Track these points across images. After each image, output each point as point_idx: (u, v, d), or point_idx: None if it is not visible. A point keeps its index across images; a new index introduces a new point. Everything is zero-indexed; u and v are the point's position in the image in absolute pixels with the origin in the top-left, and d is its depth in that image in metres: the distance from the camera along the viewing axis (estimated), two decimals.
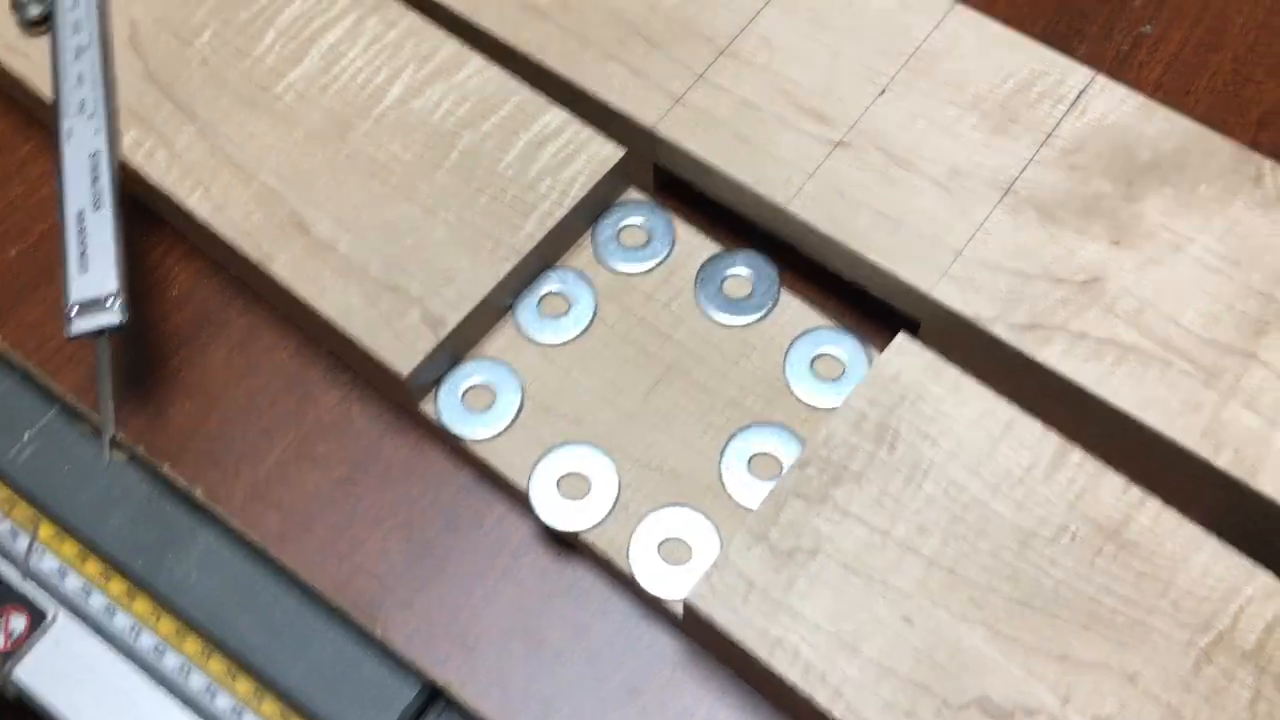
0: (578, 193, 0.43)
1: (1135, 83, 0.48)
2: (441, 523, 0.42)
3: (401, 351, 0.41)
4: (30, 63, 0.47)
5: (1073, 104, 0.44)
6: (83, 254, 0.41)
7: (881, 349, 0.41)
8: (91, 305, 0.41)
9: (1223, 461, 0.37)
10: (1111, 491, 0.37)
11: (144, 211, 0.47)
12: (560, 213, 0.43)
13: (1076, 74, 0.44)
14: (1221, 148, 0.43)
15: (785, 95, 0.44)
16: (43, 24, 0.47)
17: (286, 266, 0.42)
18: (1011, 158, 0.43)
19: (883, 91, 0.44)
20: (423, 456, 0.43)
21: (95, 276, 0.41)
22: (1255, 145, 0.46)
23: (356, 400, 0.44)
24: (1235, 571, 0.36)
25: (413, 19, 0.47)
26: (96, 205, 0.42)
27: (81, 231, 0.42)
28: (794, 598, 0.36)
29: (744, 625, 0.36)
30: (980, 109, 0.44)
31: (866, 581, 0.36)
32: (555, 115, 0.45)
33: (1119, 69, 0.49)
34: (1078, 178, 0.42)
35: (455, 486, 0.43)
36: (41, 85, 0.46)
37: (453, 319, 0.41)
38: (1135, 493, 0.37)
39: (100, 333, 0.40)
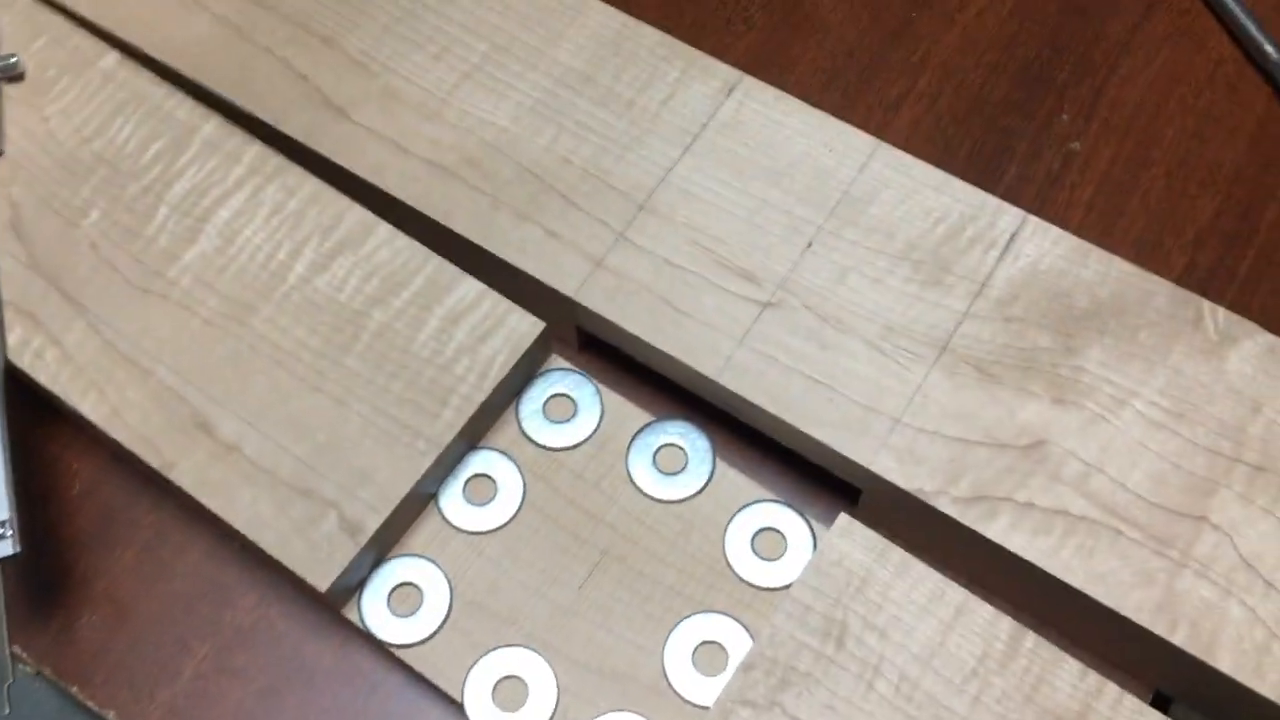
0: (498, 373, 0.41)
1: (1068, 203, 0.47)
2: None
3: (319, 563, 0.38)
4: None
5: (1005, 249, 0.42)
6: None
7: (822, 515, 0.40)
8: None
9: (1179, 639, 0.36)
10: (1068, 679, 0.36)
11: (40, 401, 0.44)
12: (480, 396, 0.41)
13: (1007, 215, 0.43)
14: (1158, 289, 0.41)
15: (708, 253, 0.43)
16: None
17: (190, 474, 0.40)
18: (946, 312, 0.41)
19: (810, 244, 0.43)
20: (349, 661, 0.41)
21: None
22: (1193, 266, 0.46)
23: (275, 601, 0.42)
24: None
25: (314, 184, 0.44)
26: None
27: None
28: None
29: None
30: (911, 259, 0.42)
31: None
32: (470, 287, 0.42)
33: (1050, 189, 0.48)
34: (1014, 330, 0.41)
35: (385, 693, 0.40)
36: None
37: (372, 523, 0.39)
38: (1092, 679, 0.36)
39: None
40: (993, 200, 0.43)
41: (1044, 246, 0.42)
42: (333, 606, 0.40)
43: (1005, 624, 0.37)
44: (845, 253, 0.42)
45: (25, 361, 0.42)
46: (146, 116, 0.46)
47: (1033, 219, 0.43)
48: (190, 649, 0.41)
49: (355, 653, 0.41)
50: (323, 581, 0.38)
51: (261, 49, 0.47)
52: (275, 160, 0.45)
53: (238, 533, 0.41)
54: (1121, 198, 0.48)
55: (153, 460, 0.40)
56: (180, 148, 0.45)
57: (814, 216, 0.43)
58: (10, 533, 0.38)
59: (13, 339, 0.42)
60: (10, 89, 0.46)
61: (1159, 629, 0.36)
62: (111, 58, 0.47)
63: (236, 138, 0.45)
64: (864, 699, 0.36)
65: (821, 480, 0.42)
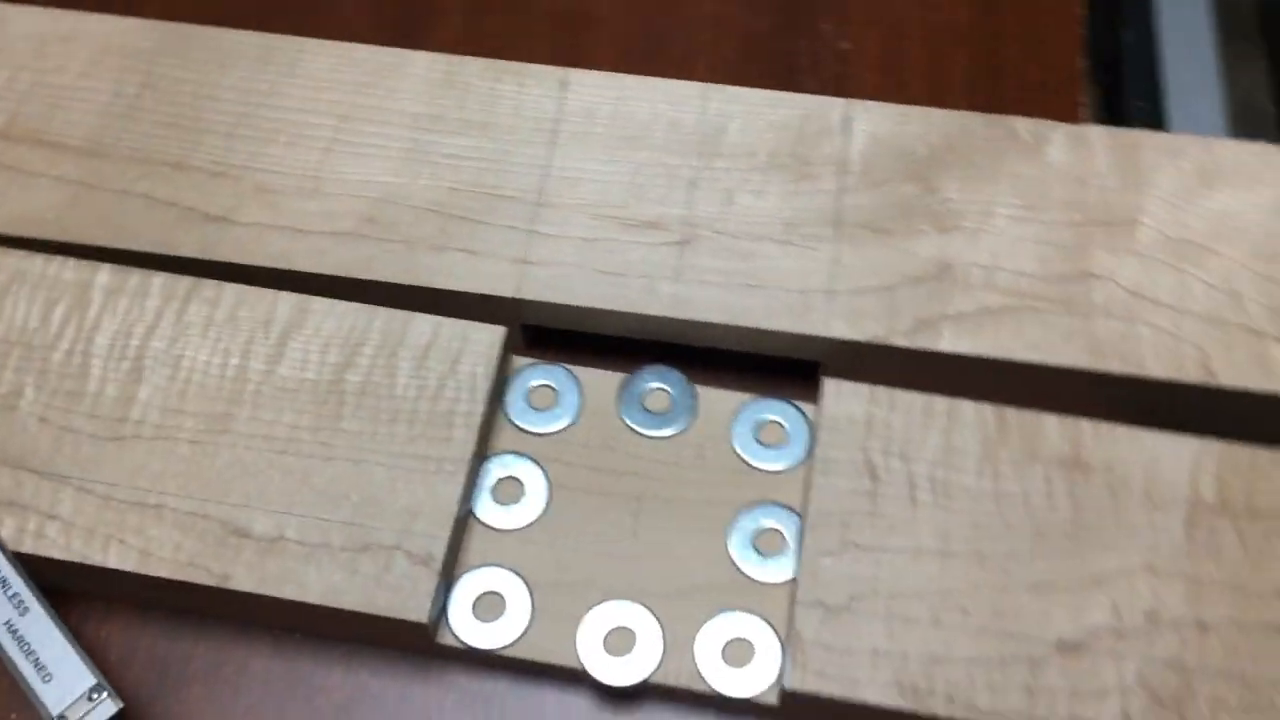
0: (483, 382, 0.44)
1: (862, 87, 0.55)
2: None
3: (408, 600, 0.40)
4: None
5: (845, 132, 0.49)
6: (37, 664, 0.38)
7: (798, 402, 0.45)
8: (77, 706, 0.37)
9: (1115, 367, 0.44)
10: (1054, 430, 0.43)
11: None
12: (479, 408, 0.44)
13: (834, 107, 0.50)
14: (971, 121, 0.50)
15: (612, 220, 0.47)
16: None
17: (248, 577, 0.41)
18: (824, 196, 0.48)
19: (693, 182, 0.48)
20: (456, 685, 0.43)
21: (65, 679, 0.38)
22: (975, 101, 0.54)
23: (361, 667, 0.43)
24: (1177, 447, 0.42)
25: (232, 289, 0.46)
26: (21, 610, 0.39)
27: (21, 643, 0.38)
28: (880, 639, 0.39)
29: (855, 686, 0.39)
30: (777, 165, 0.49)
31: (923, 596, 0.40)
32: (423, 321, 0.45)
33: (845, 84, 0.56)
34: (885, 192, 0.48)
35: (500, 696, 0.43)
36: None
37: (439, 549, 0.41)
38: (1070, 422, 0.43)
39: None
40: (816, 98, 0.50)
41: (873, 120, 0.49)
42: (430, 641, 0.41)
43: (988, 410, 0.43)
44: (723, 179, 0.48)
45: (28, 546, 0.41)
46: (35, 288, 0.46)
47: (855, 102, 0.50)
48: None
49: (458, 676, 0.43)
50: (420, 614, 0.40)
51: (117, 193, 0.48)
52: (185, 281, 0.46)
53: (307, 617, 0.42)
54: (899, 71, 0.56)
55: (206, 579, 0.40)
56: (83, 304, 0.45)
57: (684, 161, 0.49)
58: (106, 693, 0.38)
59: (6, 533, 0.41)
60: None
61: (1095, 365, 0.44)
62: None
63: (135, 275, 0.46)
64: (913, 512, 0.41)
65: (777, 373, 0.47)
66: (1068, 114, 0.54)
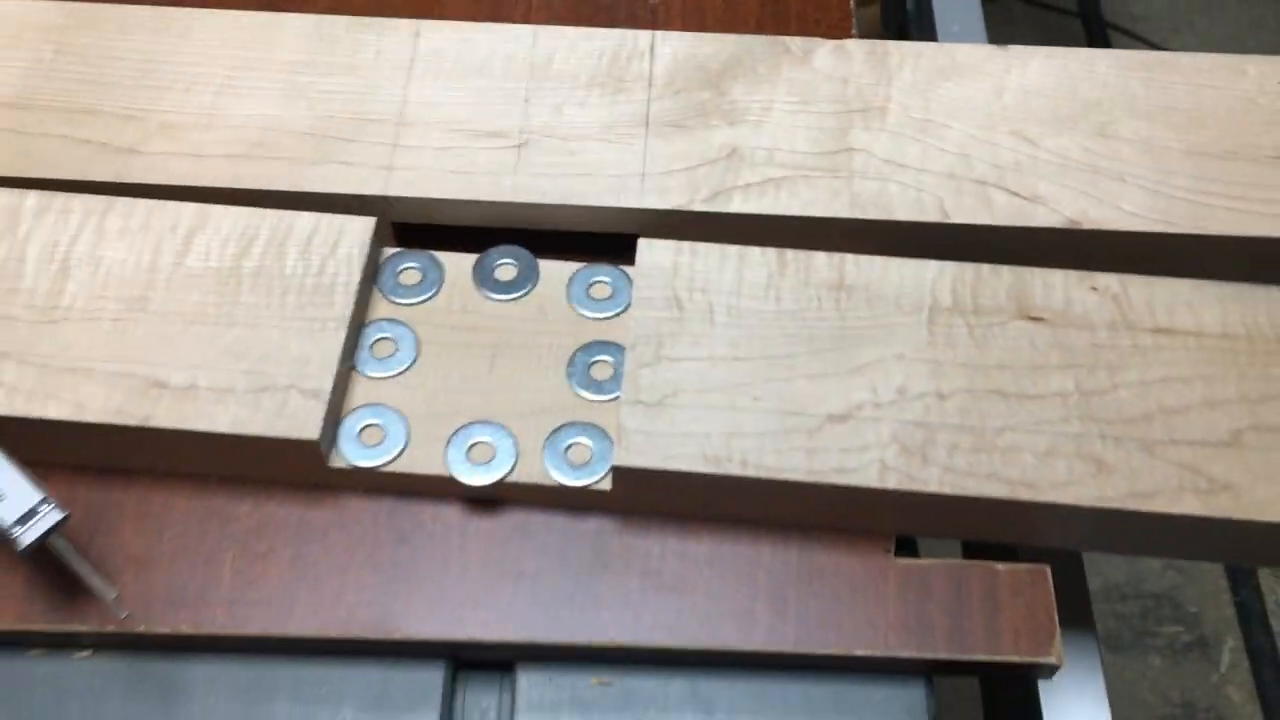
0: (359, 258, 0.53)
1: (670, 27, 0.66)
2: (397, 540, 0.50)
3: (301, 424, 0.49)
4: None
5: (650, 54, 0.60)
6: None
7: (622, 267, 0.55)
8: (27, 517, 0.45)
9: (871, 214, 0.55)
10: (823, 262, 0.53)
11: None
12: (355, 279, 0.53)
13: (640, 36, 0.61)
14: (755, 42, 0.61)
15: (461, 132, 0.57)
16: None
17: (167, 417, 0.49)
18: (636, 104, 0.58)
19: (527, 100, 0.58)
20: (351, 510, 0.51)
21: (13, 497, 0.46)
22: (760, 29, 0.65)
23: (267, 500, 0.51)
24: (920, 269, 0.53)
25: (144, 203, 0.55)
26: None
27: None
28: (688, 425, 0.49)
29: (669, 459, 0.48)
30: (597, 84, 0.59)
31: (721, 390, 0.50)
32: (306, 217, 0.54)
33: (655, 27, 0.66)
34: (684, 98, 0.59)
35: (388, 510, 0.51)
36: None
37: (326, 384, 0.50)
38: (835, 256, 0.53)
39: (49, 533, 0.45)
40: (627, 31, 0.61)
41: (673, 45, 0.60)
42: (323, 464, 0.50)
43: (771, 252, 0.54)
44: (551, 97, 0.59)
45: None
46: None
47: (657, 32, 0.61)
48: (217, 560, 0.50)
49: (349, 500, 0.51)
50: (313, 433, 0.49)
51: (38, 135, 0.57)
52: (102, 199, 0.55)
53: (219, 455, 0.50)
54: (699, 18, 0.67)
55: (130, 421, 0.49)
56: (14, 222, 0.54)
57: (519, 85, 0.59)
58: (53, 504, 0.46)
59: None
60: None
61: (855, 214, 0.55)
62: None
63: (59, 197, 0.55)
64: (712, 330, 0.51)
65: (603, 250, 0.57)
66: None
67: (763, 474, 0.48)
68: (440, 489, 0.51)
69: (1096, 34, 1.57)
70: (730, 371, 0.50)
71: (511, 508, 0.52)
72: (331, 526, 0.51)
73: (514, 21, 0.67)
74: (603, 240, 0.57)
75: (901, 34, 0.79)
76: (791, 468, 0.48)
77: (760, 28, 0.67)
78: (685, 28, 0.67)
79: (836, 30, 0.67)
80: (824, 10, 0.68)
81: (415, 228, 0.57)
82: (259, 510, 0.51)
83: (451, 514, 0.51)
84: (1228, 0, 1.75)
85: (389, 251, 0.56)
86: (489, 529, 0.51)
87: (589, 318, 0.54)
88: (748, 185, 0.56)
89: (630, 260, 0.55)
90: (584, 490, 0.50)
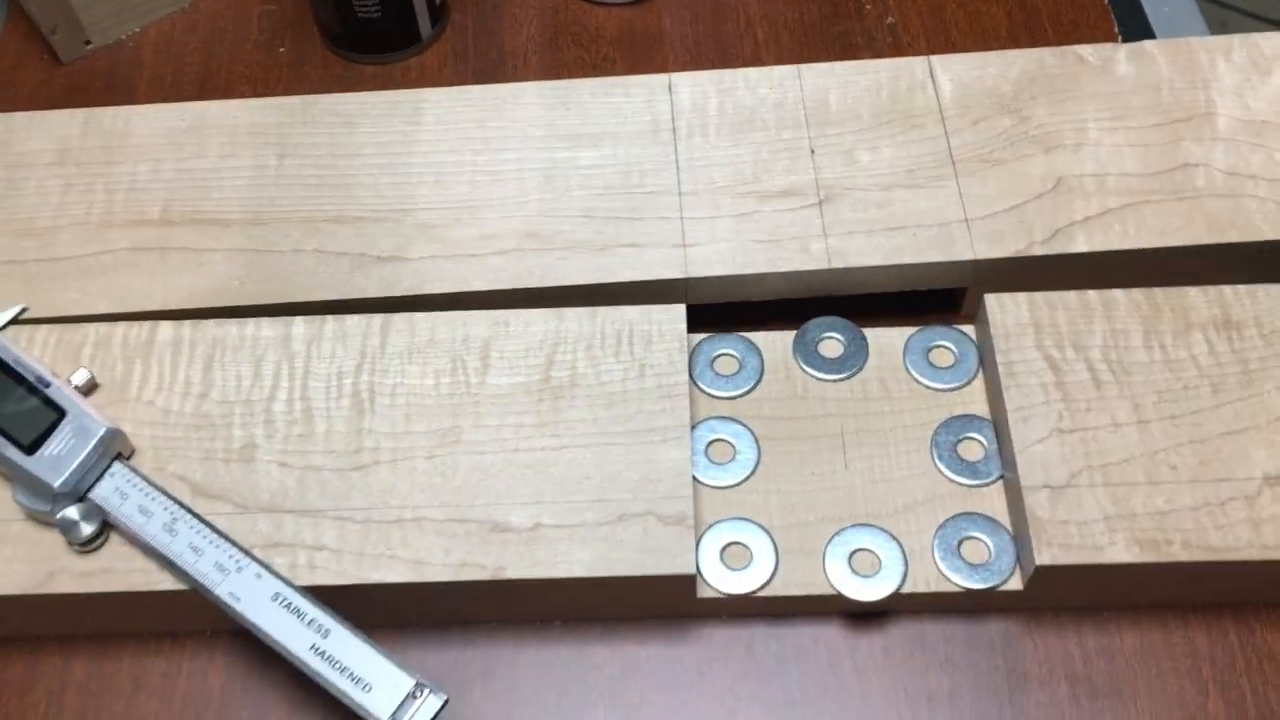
0: (681, 355, 0.47)
1: (918, 50, 0.60)
2: (779, 669, 0.44)
3: (673, 556, 0.43)
4: (97, 579, 0.43)
5: (933, 82, 0.54)
6: (353, 678, 0.40)
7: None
8: (405, 707, 0.39)
9: (1234, 236, 0.49)
10: (1200, 299, 0.47)
11: None
12: (683, 377, 0.47)
13: (915, 64, 0.55)
14: (1044, 55, 0.55)
15: (753, 193, 0.51)
16: (98, 539, 0.44)
17: (520, 565, 0.43)
18: (933, 141, 0.52)
19: (813, 150, 0.52)
20: (711, 640, 0.45)
21: (385, 686, 0.40)
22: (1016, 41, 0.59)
23: (622, 640, 0.46)
24: None
25: (424, 317, 0.48)
26: (324, 633, 0.41)
27: (332, 662, 0.40)
28: (1108, 507, 0.43)
29: (1100, 551, 0.42)
30: (883, 123, 0.53)
31: (1133, 462, 0.44)
32: (608, 314, 0.48)
33: (904, 50, 0.60)
34: (984, 127, 0.53)
35: (763, 638, 0.45)
36: (146, 585, 0.43)
37: (687, 506, 0.44)
38: (1211, 290, 0.48)
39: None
40: (894, 61, 0.55)
41: (954, 69, 0.54)
42: (691, 595, 0.44)
43: (1137, 294, 0.48)
44: (838, 143, 0.53)
45: (305, 579, 0.43)
46: (237, 350, 0.48)
47: (932, 58, 0.55)
48: (588, 717, 0.44)
49: (713, 630, 0.46)
50: (686, 566, 0.43)
51: (287, 253, 0.51)
52: (378, 318, 0.48)
53: (569, 600, 0.44)
54: (944, 34, 0.61)
55: (481, 575, 0.43)
56: (289, 355, 0.48)
57: (799, 133, 0.53)
58: (428, 689, 0.40)
59: (281, 571, 0.43)
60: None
61: (1216, 239, 0.49)
62: (166, 329, 0.48)
63: (329, 321, 0.48)
64: (1099, 392, 0.46)
65: (920, 309, 0.51)
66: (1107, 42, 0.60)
67: (1209, 556, 0.42)
68: (819, 607, 0.45)
69: None
70: (1136, 438, 0.44)
71: (898, 618, 0.46)
72: (704, 663, 0.45)
73: (741, 56, 0.61)
74: (900, 299, 0.51)
75: None
76: (1240, 545, 0.42)
77: (1013, 36, 0.62)
78: (930, 47, 0.61)
79: (1097, 30, 0.62)
80: (1079, 9, 0.62)
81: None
82: (618, 654, 0.45)
83: (834, 634, 0.46)
84: None
85: (695, 339, 0.50)
86: (882, 646, 0.45)
87: (937, 389, 0.48)
88: (1087, 219, 0.50)
89: (950, 315, 0.49)
90: (988, 593, 0.44)
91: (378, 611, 0.45)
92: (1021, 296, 0.48)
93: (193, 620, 0.46)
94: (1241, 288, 0.48)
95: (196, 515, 0.43)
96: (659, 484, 0.45)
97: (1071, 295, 0.48)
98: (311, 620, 0.41)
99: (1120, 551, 0.42)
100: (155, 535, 0.43)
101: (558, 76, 0.61)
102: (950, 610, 0.46)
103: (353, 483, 0.45)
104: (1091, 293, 0.48)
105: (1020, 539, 0.44)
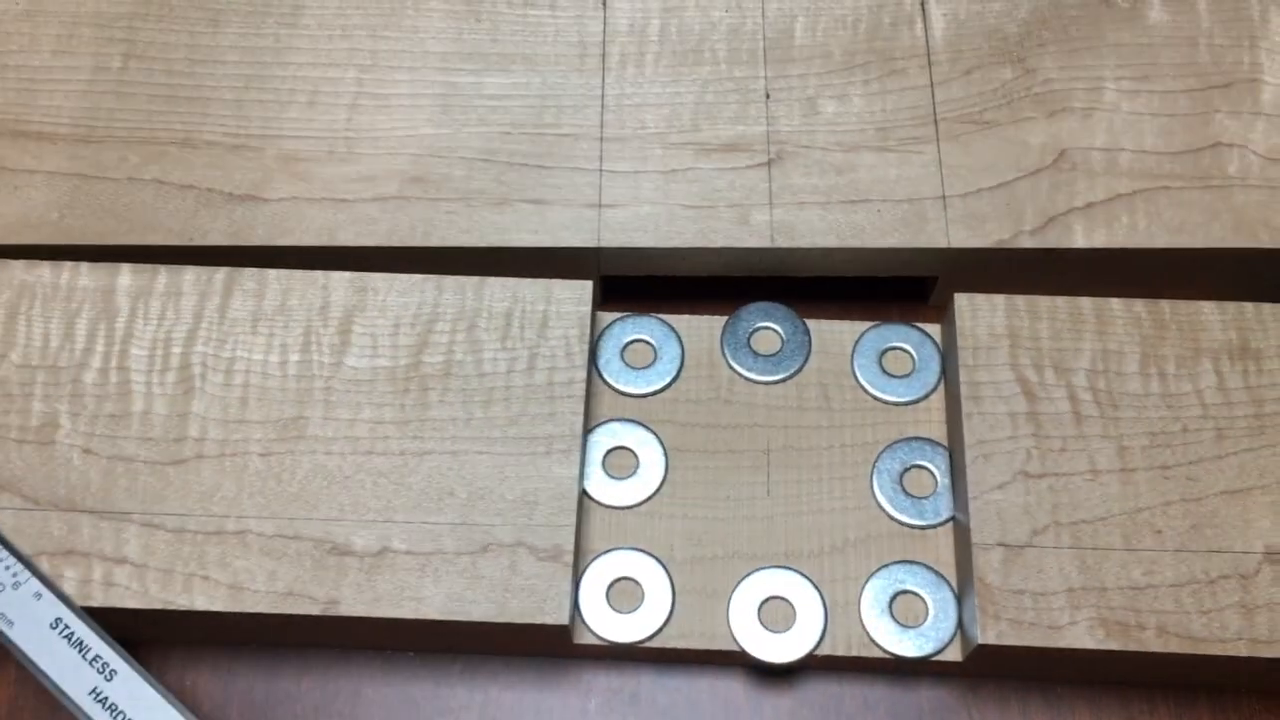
0: (581, 344, 0.39)
1: None
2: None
3: (546, 603, 0.36)
4: None
5: (924, 16, 0.44)
6: None
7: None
8: None
9: (1265, 241, 0.40)
10: (1215, 317, 0.39)
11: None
12: (580, 374, 0.39)
13: None
14: None
15: (691, 145, 0.42)
16: None
17: (358, 601, 0.36)
18: (915, 93, 0.43)
19: (768, 94, 0.43)
20: (596, 685, 0.38)
21: None
22: None
23: (489, 682, 0.39)
24: None
25: (276, 275, 0.40)
26: (108, 674, 0.34)
27: (115, 712, 0.33)
28: (1072, 576, 0.35)
29: (1057, 633, 0.35)
30: (857, 65, 0.44)
31: (1109, 520, 0.36)
32: (497, 286, 0.40)
33: None
34: (979, 79, 0.43)
35: (652, 688, 0.38)
36: None
37: (567, 539, 0.36)
38: (1229, 307, 0.39)
39: None
40: None
41: (949, 4, 0.45)
42: (567, 642, 0.37)
43: (1139, 305, 0.39)
44: (800, 87, 0.43)
45: (97, 599, 0.36)
46: (49, 301, 0.40)
47: None
48: None
49: (595, 675, 0.39)
50: (560, 616, 0.35)
51: (122, 181, 0.42)
52: (220, 272, 0.40)
53: (421, 633, 0.37)
54: None
55: (310, 609, 0.36)
56: (109, 312, 0.40)
57: (753, 72, 0.44)
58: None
59: (71, 587, 0.36)
60: None
61: (1241, 243, 0.40)
62: None
63: (161, 272, 0.40)
64: (1079, 428, 0.37)
65: (878, 298, 0.43)
66: None
67: (1189, 648, 0.35)
68: (720, 660, 0.38)
69: None
70: (1117, 491, 0.37)
71: (814, 677, 0.39)
72: (579, 715, 0.38)
73: None
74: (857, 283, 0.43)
75: None
76: (1227, 636, 0.35)
77: None
78: None
79: None
80: None
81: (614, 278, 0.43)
82: (479, 694, 0.39)
83: (735, 689, 0.39)
84: None
85: (605, 318, 0.42)
86: (789, 709, 0.38)
87: (888, 401, 0.40)
88: (1089, 206, 0.41)
89: (913, 309, 0.41)
90: (921, 661, 0.37)
91: (195, 629, 0.38)
92: (999, 299, 0.39)
93: None
94: (1266, 306, 0.39)
95: None
96: (536, 508, 0.37)
97: (1060, 301, 0.39)
98: (96, 657, 0.34)
99: (1081, 635, 0.35)
100: None
101: None
102: (874, 671, 0.38)
103: (169, 480, 0.37)
104: (1084, 300, 0.39)
105: (965, 603, 0.37)
